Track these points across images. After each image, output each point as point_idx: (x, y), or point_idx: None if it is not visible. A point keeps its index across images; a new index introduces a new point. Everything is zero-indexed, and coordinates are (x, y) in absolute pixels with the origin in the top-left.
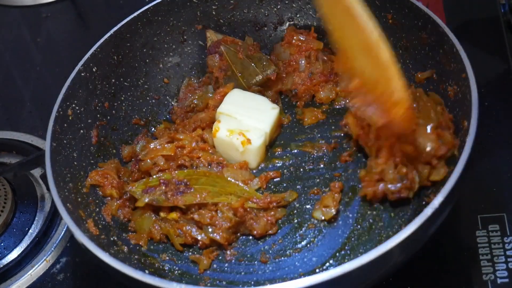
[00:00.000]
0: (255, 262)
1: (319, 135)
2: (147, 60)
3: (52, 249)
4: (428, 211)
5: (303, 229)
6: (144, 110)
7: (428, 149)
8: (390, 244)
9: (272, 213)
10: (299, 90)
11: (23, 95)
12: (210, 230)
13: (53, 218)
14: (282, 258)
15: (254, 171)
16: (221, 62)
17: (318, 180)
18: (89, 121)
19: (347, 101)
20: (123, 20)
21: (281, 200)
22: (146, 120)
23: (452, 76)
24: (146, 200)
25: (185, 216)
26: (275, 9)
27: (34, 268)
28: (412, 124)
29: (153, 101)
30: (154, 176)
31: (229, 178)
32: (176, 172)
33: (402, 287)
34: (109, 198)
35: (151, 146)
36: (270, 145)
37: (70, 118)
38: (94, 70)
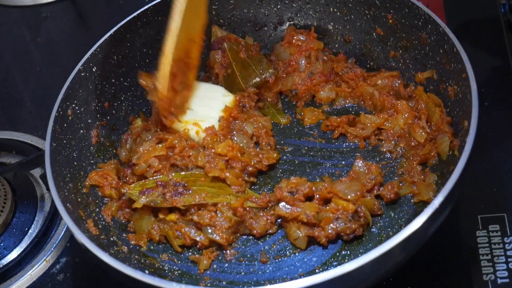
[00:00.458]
0: (255, 262)
1: (319, 135)
2: (147, 60)
3: (52, 249)
4: (428, 211)
5: None
6: (144, 110)
7: None
8: (390, 244)
9: (272, 212)
10: (299, 90)
11: (23, 95)
12: (209, 231)
13: (53, 218)
14: (282, 258)
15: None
16: (223, 59)
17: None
18: (89, 121)
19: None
20: (123, 20)
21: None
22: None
23: (452, 76)
24: (144, 201)
25: (184, 217)
26: (275, 9)
27: (34, 268)
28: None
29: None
30: (150, 179)
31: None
32: (172, 174)
33: (402, 287)
34: (109, 198)
35: (142, 150)
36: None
37: (70, 118)
38: (94, 70)
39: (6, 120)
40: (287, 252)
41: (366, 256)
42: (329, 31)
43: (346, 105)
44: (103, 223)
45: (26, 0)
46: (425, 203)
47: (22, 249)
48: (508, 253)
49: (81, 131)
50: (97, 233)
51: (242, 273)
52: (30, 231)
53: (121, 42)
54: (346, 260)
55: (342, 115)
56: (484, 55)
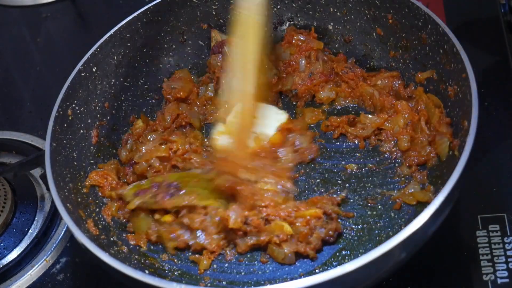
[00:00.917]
0: (255, 262)
1: (319, 135)
2: (147, 60)
3: (52, 249)
4: (428, 211)
5: None
6: (144, 110)
7: None
8: (390, 244)
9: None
10: (299, 90)
11: (23, 95)
12: (199, 235)
13: (53, 218)
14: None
15: None
16: (224, 63)
17: (318, 180)
18: (89, 121)
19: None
20: (123, 20)
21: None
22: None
23: (452, 76)
24: (137, 203)
25: (178, 219)
26: (275, 9)
27: (34, 268)
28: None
29: (153, 101)
30: (146, 180)
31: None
32: (167, 174)
33: (402, 287)
34: (109, 199)
35: (144, 149)
36: None
37: (70, 118)
38: (94, 70)
39: (6, 120)
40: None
41: (366, 256)
42: (329, 31)
43: (346, 105)
44: (103, 223)
45: (26, 0)
46: (425, 203)
47: (22, 249)
48: (508, 253)
49: (81, 131)
50: (97, 233)
51: (242, 273)
52: (30, 231)
53: (121, 42)
54: (346, 260)
55: (342, 115)
56: (484, 55)
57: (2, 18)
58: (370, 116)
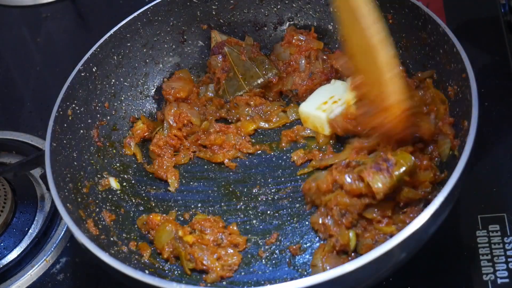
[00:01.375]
0: (255, 262)
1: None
2: (147, 60)
3: (52, 249)
4: (428, 211)
5: (303, 229)
6: (144, 110)
7: None
8: (390, 244)
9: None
10: (300, 90)
11: (23, 95)
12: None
13: (53, 218)
14: (283, 258)
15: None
16: (224, 63)
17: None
18: (89, 121)
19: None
20: (123, 20)
21: None
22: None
23: (452, 76)
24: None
25: (199, 242)
26: (275, 9)
27: (34, 268)
28: (407, 127)
29: (153, 101)
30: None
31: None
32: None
33: (402, 287)
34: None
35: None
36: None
37: (70, 118)
38: (94, 70)
39: (6, 120)
40: (287, 252)
41: (366, 256)
42: (329, 31)
43: None
44: (103, 223)
45: (26, 0)
46: (426, 203)
47: (22, 249)
48: (508, 253)
49: (81, 131)
50: (97, 233)
51: (242, 273)
52: (30, 231)
53: (121, 42)
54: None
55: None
56: (484, 55)
57: (2, 18)
58: None
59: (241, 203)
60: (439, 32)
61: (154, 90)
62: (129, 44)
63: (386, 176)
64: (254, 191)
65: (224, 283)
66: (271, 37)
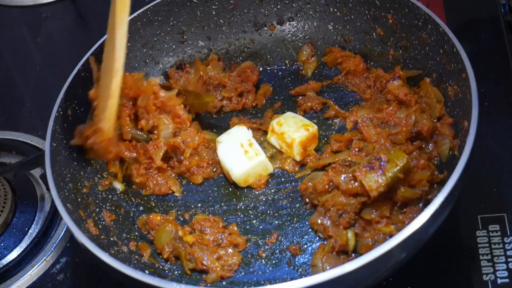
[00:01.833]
0: (255, 262)
1: None
2: (147, 60)
3: (52, 249)
4: (428, 211)
5: (303, 229)
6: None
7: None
8: (390, 244)
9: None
10: None
11: (23, 95)
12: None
13: (53, 218)
14: (283, 258)
15: None
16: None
17: None
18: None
19: None
20: None
21: None
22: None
23: (452, 76)
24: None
25: (200, 242)
26: (275, 9)
27: (34, 268)
28: (108, 155)
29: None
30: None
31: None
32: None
33: (402, 287)
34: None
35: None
36: None
37: (70, 118)
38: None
39: (6, 120)
40: (287, 252)
41: (366, 256)
42: (329, 31)
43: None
44: (103, 223)
45: (26, 0)
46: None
47: (22, 249)
48: (508, 253)
49: None
50: (97, 233)
51: (242, 273)
52: (30, 231)
53: None
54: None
55: None
56: (484, 55)
57: (2, 18)
58: None
59: (241, 203)
60: (439, 32)
61: None
62: (129, 44)
63: (379, 175)
64: (254, 191)
65: (224, 283)
66: (271, 37)
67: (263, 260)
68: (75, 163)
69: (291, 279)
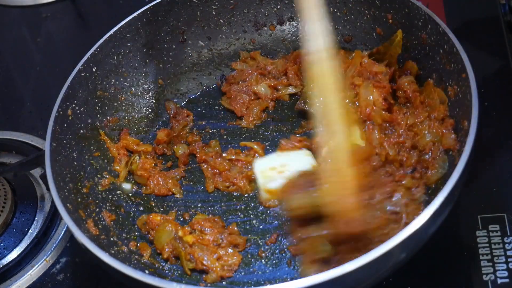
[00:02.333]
0: (255, 262)
1: None
2: (147, 60)
3: (52, 249)
4: (428, 211)
5: None
6: (144, 110)
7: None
8: (390, 244)
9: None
10: None
11: (23, 95)
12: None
13: (53, 218)
14: (282, 258)
15: None
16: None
17: None
18: (89, 121)
19: None
20: (123, 20)
21: None
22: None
23: (452, 76)
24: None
25: (200, 242)
26: (275, 9)
27: (34, 268)
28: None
29: (153, 101)
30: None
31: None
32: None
33: (402, 287)
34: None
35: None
36: None
37: (70, 118)
38: (94, 70)
39: (6, 120)
40: (287, 252)
41: (366, 256)
42: (329, 31)
43: None
44: (103, 223)
45: (26, 0)
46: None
47: (22, 249)
48: (508, 253)
49: (81, 131)
50: (97, 233)
51: (242, 273)
52: (30, 231)
53: (121, 42)
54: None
55: None
56: (484, 55)
57: (2, 18)
58: None
59: (241, 203)
60: (439, 32)
61: (154, 91)
62: (129, 44)
63: None
64: (254, 191)
65: (224, 283)
66: (271, 37)
67: (263, 260)
68: (75, 163)
69: (291, 279)
